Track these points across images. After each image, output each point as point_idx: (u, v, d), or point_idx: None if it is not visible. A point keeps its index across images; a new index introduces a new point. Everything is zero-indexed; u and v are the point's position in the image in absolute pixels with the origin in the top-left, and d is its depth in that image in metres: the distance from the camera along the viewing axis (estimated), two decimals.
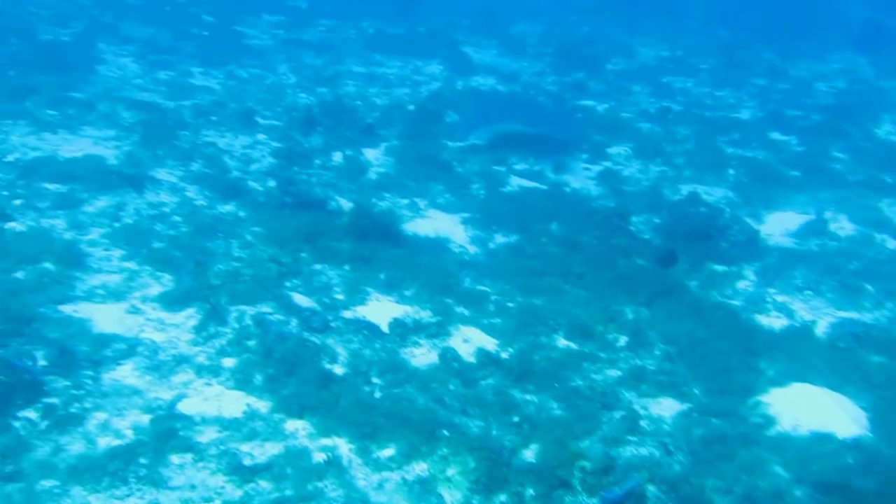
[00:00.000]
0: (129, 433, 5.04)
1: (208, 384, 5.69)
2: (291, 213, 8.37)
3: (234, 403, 5.51)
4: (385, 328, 6.65)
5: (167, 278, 6.91)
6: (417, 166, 10.35)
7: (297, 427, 5.37)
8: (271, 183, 9.11)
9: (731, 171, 11.57)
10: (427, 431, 5.37)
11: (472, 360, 6.36)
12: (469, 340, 6.69)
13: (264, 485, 4.73)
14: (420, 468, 5.10)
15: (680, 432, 5.64)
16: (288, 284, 7.13)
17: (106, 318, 6.21)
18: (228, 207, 8.48)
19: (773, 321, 7.44)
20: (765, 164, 12.00)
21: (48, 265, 6.75)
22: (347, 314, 6.80)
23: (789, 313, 7.61)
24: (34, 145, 9.25)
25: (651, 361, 6.67)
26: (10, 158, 8.77)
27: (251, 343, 6.13)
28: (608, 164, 11.64)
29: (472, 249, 8.46)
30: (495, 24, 21.06)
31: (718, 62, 19.44)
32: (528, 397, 6.00)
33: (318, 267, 7.51)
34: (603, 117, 13.83)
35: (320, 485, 4.80)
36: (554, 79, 16.69)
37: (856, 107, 15.76)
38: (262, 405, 5.53)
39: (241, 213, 8.40)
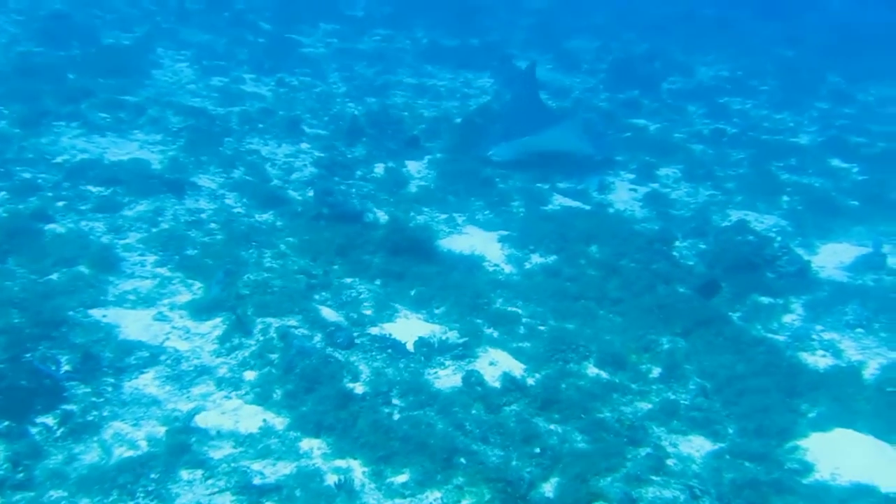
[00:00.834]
0: (144, 444, 5.02)
1: (227, 397, 5.65)
2: (327, 224, 8.33)
3: (251, 419, 5.45)
4: (411, 347, 6.53)
5: (197, 286, 6.92)
6: (459, 181, 10.23)
7: (313, 446, 5.28)
8: (310, 193, 9.09)
9: (785, 199, 11.15)
10: (444, 458, 5.23)
11: (496, 384, 6.18)
12: (496, 364, 6.52)
13: None
14: (433, 497, 4.96)
15: (709, 474, 5.36)
16: (317, 297, 7.07)
17: (133, 324, 6.23)
18: (266, 216, 8.49)
19: (819, 360, 7.07)
20: (822, 192, 11.53)
21: (83, 268, 6.83)
22: (374, 331, 6.71)
23: (837, 352, 7.22)
24: (83, 148, 9.43)
25: (685, 396, 6.40)
26: (58, 160, 8.94)
27: (274, 357, 6.08)
28: (656, 185, 11.34)
29: (508, 269, 8.30)
30: (551, 38, 20.84)
31: (780, 84, 18.87)
32: (551, 427, 5.81)
33: (348, 281, 7.44)
34: (654, 137, 13.51)
35: None
36: (606, 96, 16.41)
37: None
38: (279, 422, 5.46)
39: (278, 223, 8.40)
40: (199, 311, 6.56)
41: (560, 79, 17.57)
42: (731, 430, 5.95)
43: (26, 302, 6.00)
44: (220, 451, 5.07)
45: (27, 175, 8.40)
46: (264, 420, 5.45)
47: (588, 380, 6.45)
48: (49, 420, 5.01)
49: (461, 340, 6.70)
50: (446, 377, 6.27)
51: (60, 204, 7.90)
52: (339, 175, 9.97)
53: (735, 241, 9.04)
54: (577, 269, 8.35)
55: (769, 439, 5.79)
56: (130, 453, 4.91)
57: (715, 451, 5.68)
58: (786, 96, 17.71)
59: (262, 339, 6.28)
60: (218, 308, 6.58)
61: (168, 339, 6.17)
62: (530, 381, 6.31)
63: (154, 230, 7.72)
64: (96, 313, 6.26)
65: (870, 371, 6.84)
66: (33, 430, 4.88)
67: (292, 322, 6.54)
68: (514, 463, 5.34)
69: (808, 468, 5.52)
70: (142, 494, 4.57)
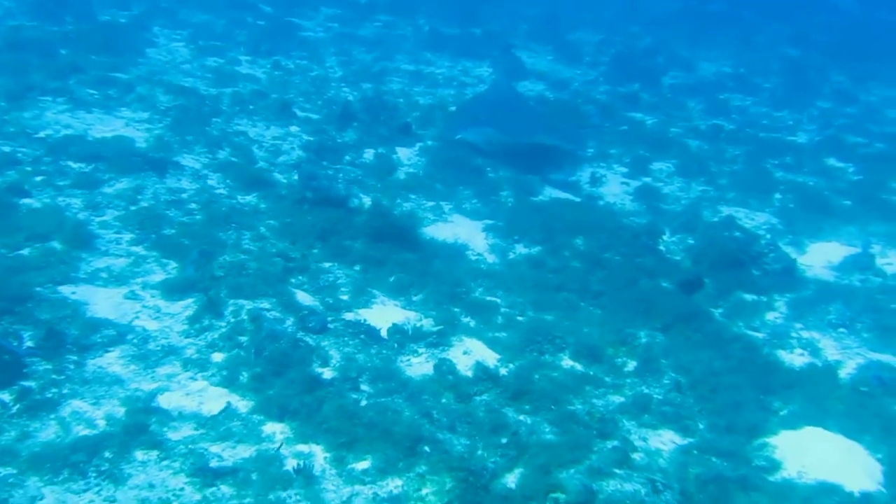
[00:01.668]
0: (102, 424, 4.96)
1: (193, 378, 5.58)
2: (310, 208, 8.24)
3: (215, 401, 5.39)
4: (384, 334, 6.46)
5: (172, 266, 6.85)
6: (448, 169, 10.13)
7: (275, 430, 5.21)
8: (296, 176, 9.00)
9: (778, 196, 11.04)
10: (407, 446, 5.16)
11: (469, 373, 6.11)
12: (469, 353, 6.45)
13: (225, 490, 4.58)
14: (394, 485, 4.89)
15: (675, 469, 5.29)
16: (293, 281, 7.00)
17: (103, 302, 6.17)
18: (249, 198, 8.41)
19: (796, 358, 6.98)
20: (815, 191, 11.41)
21: (56, 244, 6.76)
22: (349, 316, 6.64)
23: (815, 351, 7.13)
24: (67, 123, 9.34)
25: (658, 390, 6.32)
26: (41, 135, 8.87)
27: (244, 339, 6.01)
28: (648, 179, 11.23)
29: (491, 258, 8.22)
30: (554, 30, 20.67)
31: (782, 82, 18.68)
32: (521, 418, 5.74)
33: (327, 265, 7.36)
34: (651, 131, 13.38)
35: (284, 494, 4.62)
36: (606, 88, 16.25)
37: None
38: (244, 405, 5.40)
39: (261, 206, 8.31)
40: (172, 291, 6.49)
41: (560, 70, 17.42)
42: (701, 426, 5.87)
43: None
44: (179, 433, 5.00)
45: (6, 149, 8.32)
46: (228, 402, 5.38)
47: (562, 371, 6.38)
48: (5, 396, 4.94)
49: (436, 328, 6.63)
50: (419, 365, 6.20)
51: (38, 179, 7.81)
52: (328, 159, 9.87)
53: (722, 238, 8.96)
54: (560, 260, 8.26)
55: (739, 436, 5.71)
56: (87, 432, 4.84)
57: (683, 445, 5.60)
58: (788, 94, 17.53)
59: (233, 321, 6.21)
60: (191, 289, 6.51)
61: (137, 318, 6.10)
62: (503, 371, 6.24)
63: (132, 208, 7.64)
64: (65, 290, 6.19)
65: (846, 371, 6.76)
66: None
67: (265, 305, 6.47)
68: (479, 453, 5.27)
69: (775, 465, 5.44)
70: (94, 474, 4.51)
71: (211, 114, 10.48)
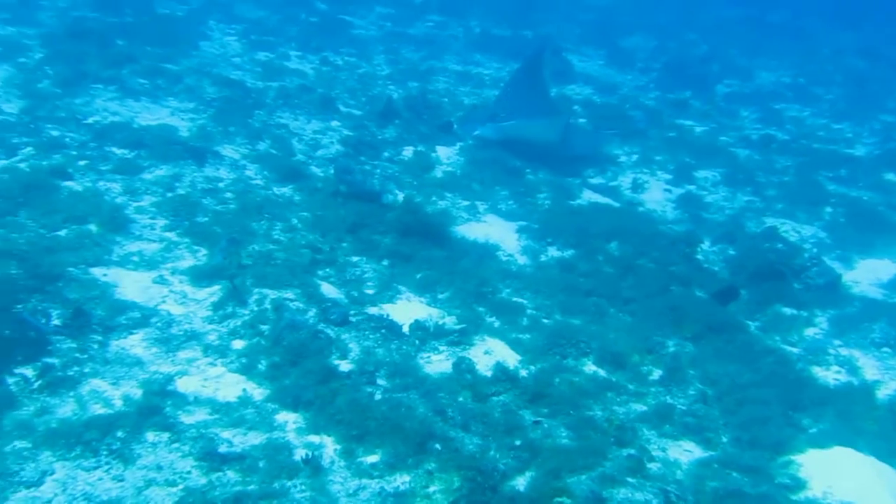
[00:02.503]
0: (119, 404, 5.03)
1: (212, 364, 5.63)
2: (343, 201, 8.26)
3: (231, 387, 5.42)
4: (406, 329, 6.43)
5: (202, 253, 6.94)
6: (487, 169, 10.06)
7: (288, 420, 5.22)
8: (332, 170, 9.05)
9: (829, 210, 10.67)
10: (418, 443, 5.11)
11: (488, 373, 6.04)
12: (491, 353, 6.37)
13: (231, 475, 4.59)
14: (402, 480, 4.84)
15: (691, 481, 5.12)
16: (320, 273, 7.02)
17: (132, 285, 6.27)
18: (284, 190, 8.48)
19: (831, 375, 6.72)
20: (869, 205, 11.00)
21: (92, 227, 6.90)
22: (372, 310, 6.62)
23: (853, 369, 6.86)
24: (115, 111, 9.56)
25: (682, 400, 6.15)
26: (89, 121, 9.09)
27: (265, 328, 6.04)
28: (692, 187, 10.99)
29: (521, 260, 8.12)
30: (607, 35, 20.43)
31: (844, 93, 18.13)
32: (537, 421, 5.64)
33: (355, 259, 7.37)
34: (699, 139, 13.10)
35: (289, 483, 4.62)
36: (656, 95, 15.99)
37: None
38: (259, 392, 5.42)
39: (296, 198, 8.37)
40: (200, 277, 6.56)
41: (611, 75, 17.21)
42: (724, 439, 5.68)
43: (28, 254, 6.09)
44: (192, 417, 5.05)
45: (55, 133, 8.56)
46: (244, 390, 5.41)
47: (584, 376, 6.26)
48: (28, 371, 5.04)
49: (458, 326, 6.57)
50: (438, 362, 6.14)
51: (82, 163, 8.00)
52: (366, 155, 9.90)
53: (762, 249, 8.70)
54: (593, 265, 8.12)
55: (763, 451, 5.50)
56: (103, 411, 4.92)
57: (703, 458, 5.43)
58: (849, 106, 16.99)
59: (256, 309, 6.25)
60: (218, 276, 6.57)
61: (163, 302, 6.18)
62: (523, 373, 6.14)
63: (169, 195, 7.77)
64: (97, 272, 6.31)
65: (885, 391, 6.47)
66: (10, 380, 4.92)
67: (289, 295, 6.50)
68: (491, 453, 5.19)
69: (799, 484, 5.22)
70: (105, 452, 4.57)
71: (254, 106, 10.61)
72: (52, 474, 4.39)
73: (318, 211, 8.03)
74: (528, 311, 7.11)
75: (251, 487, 4.52)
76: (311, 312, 6.32)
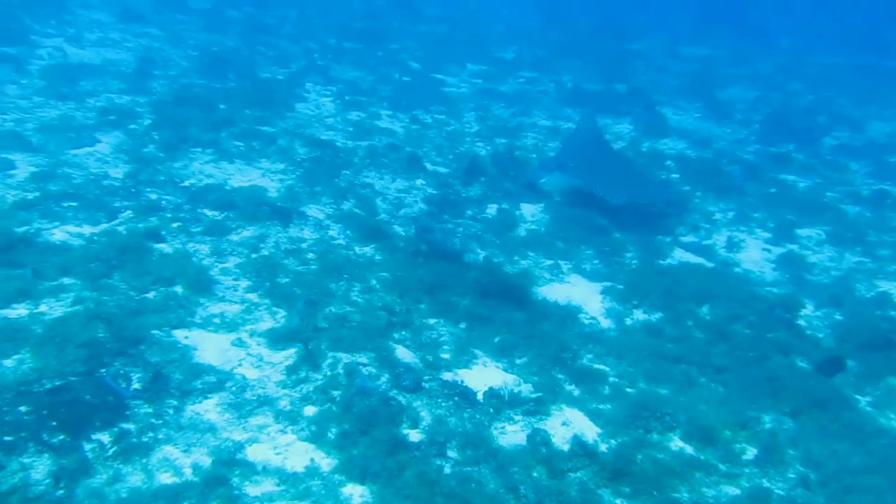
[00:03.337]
0: (188, 472, 5.04)
1: (283, 431, 5.59)
2: (423, 261, 8.21)
3: (300, 456, 5.36)
4: (481, 397, 6.24)
5: (281, 314, 7.00)
6: (572, 227, 9.85)
7: (354, 493, 5.09)
8: (413, 229, 9.06)
9: None
10: None
11: (565, 447, 5.76)
12: (568, 424, 6.10)
13: None
14: None
15: None
16: (396, 336, 6.95)
17: (210, 348, 6.36)
18: (366, 249, 8.52)
19: None
20: None
21: (178, 289, 7.09)
22: (447, 376, 6.48)
23: None
24: (210, 173, 9.94)
25: (781, 485, 5.67)
26: (186, 184, 9.47)
27: (337, 394, 5.99)
28: (794, 247, 10.39)
29: (605, 323, 7.82)
30: (705, 86, 19.94)
31: None
32: (617, 502, 5.31)
33: (431, 321, 7.27)
34: (802, 195, 12.46)
35: None
36: (756, 148, 15.36)
37: None
38: (327, 463, 5.33)
39: (377, 257, 8.39)
40: (277, 339, 6.61)
41: (707, 128, 16.70)
42: None
43: (116, 317, 6.28)
44: (258, 488, 5.00)
45: (153, 196, 8.94)
46: (312, 459, 5.33)
47: (669, 453, 5.88)
48: (105, 437, 5.13)
49: (534, 395, 6.33)
50: (513, 433, 5.91)
51: (175, 225, 8.29)
52: (449, 213, 9.88)
53: (873, 315, 8.06)
54: (682, 329, 7.73)
55: None
56: (172, 480, 4.94)
57: None
58: None
59: (329, 374, 6.22)
60: (294, 338, 6.59)
61: (240, 365, 6.23)
62: (603, 448, 5.83)
63: (253, 256, 7.93)
64: (179, 334, 6.45)
65: None
66: (87, 447, 5.01)
67: (363, 359, 6.44)
68: None
69: None
70: None
71: (342, 165, 10.82)
72: None
73: (397, 271, 8.00)
74: (611, 379, 6.79)
75: None
76: (384, 378, 6.23)
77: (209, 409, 5.68)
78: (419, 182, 10.80)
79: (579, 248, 9.41)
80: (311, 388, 6.05)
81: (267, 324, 6.85)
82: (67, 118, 11.28)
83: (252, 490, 4.96)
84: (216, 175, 9.92)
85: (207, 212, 8.76)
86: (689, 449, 5.96)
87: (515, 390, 6.35)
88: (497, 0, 32.32)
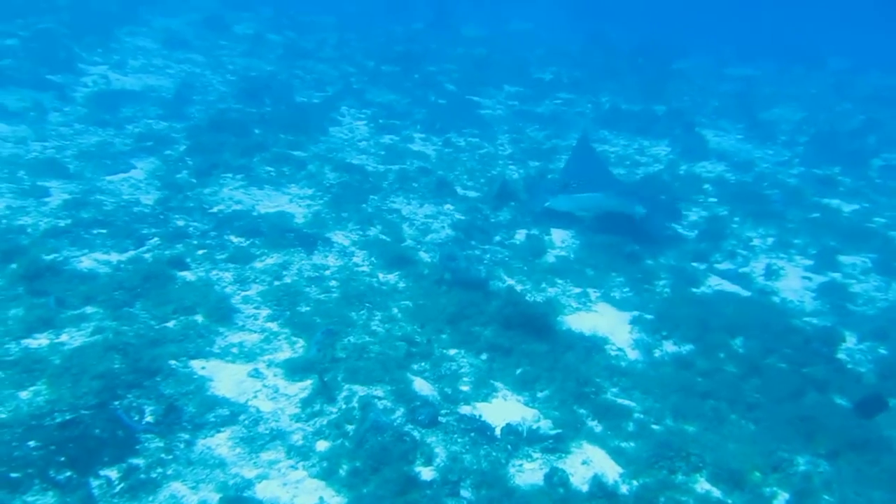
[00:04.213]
0: None
1: (294, 467, 5.48)
2: (447, 289, 8.08)
3: (309, 494, 5.24)
4: (498, 433, 6.06)
5: (300, 344, 6.93)
6: (602, 253, 9.63)
7: None
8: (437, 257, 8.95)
9: None
10: None
11: (583, 487, 5.55)
12: (588, 463, 5.88)
13: None
14: None
15: None
16: (414, 367, 6.82)
17: (226, 379, 6.31)
18: (389, 277, 8.43)
19: None
20: None
21: (198, 317, 7.08)
22: (465, 409, 6.32)
23: None
24: (238, 199, 9.98)
25: None
26: (214, 210, 9.52)
27: (350, 428, 5.87)
28: (837, 275, 9.99)
29: (632, 355, 7.58)
30: (748, 106, 19.53)
31: None
32: None
33: (452, 352, 7.12)
34: (847, 220, 12.02)
35: None
36: (800, 171, 14.93)
37: None
38: (336, 501, 5.20)
39: (400, 285, 8.29)
40: (294, 370, 6.53)
41: (748, 150, 16.32)
42: None
43: (133, 348, 6.28)
44: None
45: (181, 223, 9.00)
46: (321, 498, 5.21)
47: (695, 496, 5.62)
48: (113, 473, 5.07)
49: (554, 431, 6.13)
50: (530, 472, 5.72)
51: (200, 252, 8.32)
52: (476, 239, 9.75)
53: None
54: (713, 362, 7.45)
55: None
56: None
57: None
58: None
59: (343, 407, 6.11)
60: (311, 369, 6.51)
61: (255, 397, 6.15)
62: (624, 489, 5.60)
63: (276, 283, 7.90)
64: (196, 364, 6.41)
65: None
66: (94, 483, 4.96)
67: (379, 392, 6.32)
68: None
69: None
70: None
71: (370, 191, 10.78)
72: None
73: (420, 300, 7.89)
74: (636, 415, 6.56)
75: None
76: (399, 412, 6.10)
77: (221, 443, 5.61)
78: (448, 207, 10.70)
79: (609, 275, 9.19)
80: (324, 422, 5.94)
81: (285, 354, 6.79)
82: (105, 144, 11.48)
83: None
84: (245, 201, 9.96)
85: (233, 238, 8.77)
86: (715, 492, 5.69)
87: (534, 426, 6.15)
88: (537, 23, 32.36)
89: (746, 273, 9.85)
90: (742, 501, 5.63)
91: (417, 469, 5.54)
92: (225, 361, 6.57)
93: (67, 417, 5.29)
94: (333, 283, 8.08)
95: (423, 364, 6.88)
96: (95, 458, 5.10)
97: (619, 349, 7.64)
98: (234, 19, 23.82)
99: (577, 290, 8.77)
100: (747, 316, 8.28)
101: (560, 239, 10.12)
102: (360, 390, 6.31)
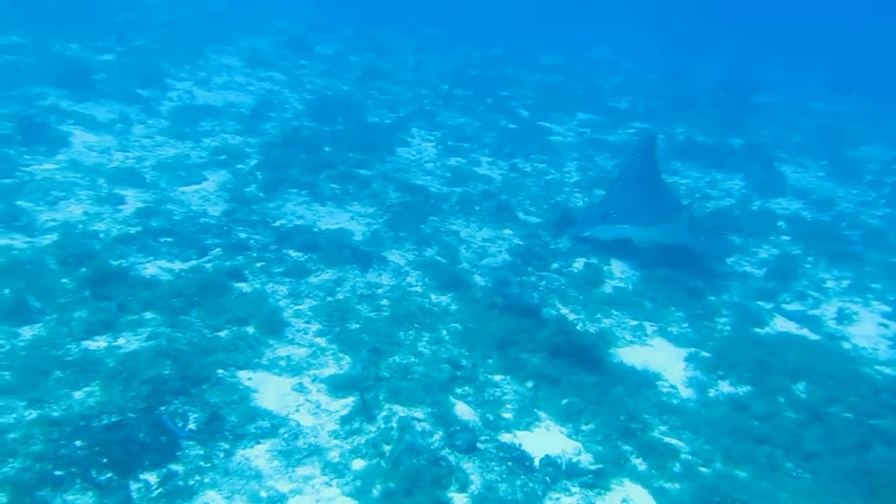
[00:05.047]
0: None
1: (328, 484, 5.48)
2: (499, 314, 8.00)
3: None
4: (537, 463, 5.93)
5: (346, 361, 6.97)
6: (662, 287, 9.38)
7: None
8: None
9: None
10: None
11: None
12: (629, 501, 5.68)
13: None
14: None
15: None
16: (458, 391, 6.75)
17: (272, 391, 6.39)
18: (441, 299, 8.41)
19: None
20: None
21: (250, 329, 7.21)
22: (505, 437, 6.21)
23: None
24: (301, 214, 10.17)
25: None
26: (276, 224, 9.72)
27: (387, 448, 5.85)
28: None
29: (685, 393, 7.32)
30: (833, 143, 18.81)
31: None
32: None
33: (497, 378, 7.03)
34: None
35: None
36: (886, 213, 14.25)
37: None
38: None
39: (452, 307, 8.26)
40: (338, 387, 6.56)
41: (830, 188, 15.69)
42: None
43: (183, 354, 6.43)
44: None
45: (243, 235, 9.21)
46: None
47: None
48: (152, 477, 5.18)
49: (594, 467, 5.96)
50: None
51: (259, 265, 8.50)
52: (533, 265, 9.64)
53: None
54: (771, 406, 7.12)
55: None
56: None
57: None
58: None
59: (382, 426, 6.09)
60: (355, 387, 6.53)
61: (297, 411, 6.21)
62: None
63: (329, 299, 7.98)
64: (243, 375, 6.52)
65: None
66: (133, 486, 5.06)
67: (419, 413, 6.29)
68: None
69: None
70: None
71: (430, 212, 10.82)
72: None
73: (469, 323, 7.84)
74: (683, 456, 6.31)
75: None
76: (437, 435, 6.04)
77: (259, 454, 5.67)
78: (507, 232, 10.64)
79: (668, 308, 8.94)
80: (362, 441, 5.93)
81: (331, 370, 6.83)
82: (182, 157, 11.89)
83: None
84: (307, 216, 10.14)
85: (292, 252, 8.93)
86: None
87: (575, 459, 6.00)
88: (619, 50, 32.07)
89: (816, 316, 9.42)
90: None
91: (450, 495, 5.47)
92: (271, 374, 6.66)
93: (114, 419, 5.45)
94: (385, 301, 8.11)
95: (466, 388, 6.81)
96: (137, 461, 5.22)
97: (672, 386, 7.39)
98: (317, 40, 24.47)
99: (633, 322, 8.56)
100: (813, 360, 7.90)
101: (619, 269, 9.92)
102: (401, 411, 6.29)
